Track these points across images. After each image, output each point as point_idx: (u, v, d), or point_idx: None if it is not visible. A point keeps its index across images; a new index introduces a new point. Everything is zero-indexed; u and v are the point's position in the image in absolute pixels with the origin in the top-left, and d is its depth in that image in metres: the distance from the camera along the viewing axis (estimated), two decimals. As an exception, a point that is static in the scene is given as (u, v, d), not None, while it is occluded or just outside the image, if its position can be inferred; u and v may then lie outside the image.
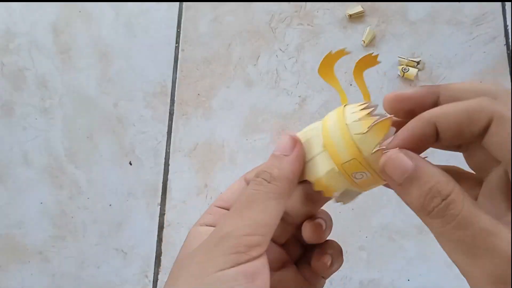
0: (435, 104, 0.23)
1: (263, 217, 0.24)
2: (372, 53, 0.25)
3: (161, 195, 0.60)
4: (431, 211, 0.20)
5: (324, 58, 0.27)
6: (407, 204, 0.22)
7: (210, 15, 0.65)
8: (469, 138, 0.22)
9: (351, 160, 0.23)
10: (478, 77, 0.61)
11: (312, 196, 0.28)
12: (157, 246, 0.59)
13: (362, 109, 0.24)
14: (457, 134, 0.22)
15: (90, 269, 0.58)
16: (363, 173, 0.24)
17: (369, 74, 0.61)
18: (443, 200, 0.20)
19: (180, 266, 0.26)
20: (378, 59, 0.27)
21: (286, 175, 0.25)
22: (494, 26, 0.62)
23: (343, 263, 0.32)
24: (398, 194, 0.22)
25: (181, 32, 0.65)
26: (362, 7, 0.63)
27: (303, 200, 0.29)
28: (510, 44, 0.61)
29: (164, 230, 0.59)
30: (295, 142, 0.26)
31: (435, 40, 0.62)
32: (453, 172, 0.25)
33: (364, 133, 0.23)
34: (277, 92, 0.62)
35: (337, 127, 0.24)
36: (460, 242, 0.20)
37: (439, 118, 0.22)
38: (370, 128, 0.23)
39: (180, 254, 0.27)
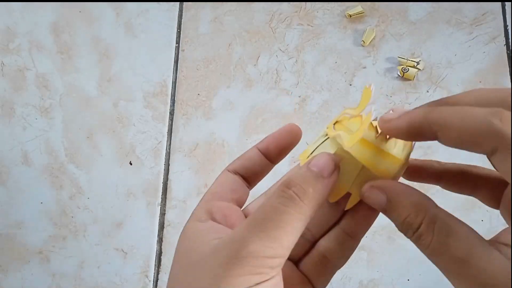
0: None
1: (289, 240, 0.22)
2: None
3: (161, 195, 0.60)
4: (410, 238, 0.22)
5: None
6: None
7: (210, 15, 0.65)
8: (474, 151, 0.21)
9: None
10: (478, 77, 0.61)
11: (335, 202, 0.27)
12: (157, 246, 0.59)
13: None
14: (459, 146, 0.21)
15: (90, 269, 0.58)
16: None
17: (369, 74, 0.61)
18: (414, 233, 0.22)
19: (187, 272, 0.24)
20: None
21: (318, 199, 0.23)
22: (494, 26, 0.62)
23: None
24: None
25: (181, 32, 0.65)
26: (362, 7, 0.63)
27: (328, 208, 0.27)
28: (510, 44, 0.61)
29: (164, 230, 0.59)
30: (336, 166, 0.24)
31: (435, 40, 0.62)
32: (471, 175, 0.26)
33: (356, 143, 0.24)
34: (277, 92, 0.62)
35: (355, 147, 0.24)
36: (439, 267, 0.21)
37: (442, 128, 0.21)
38: (356, 132, 0.24)
39: (181, 255, 0.25)
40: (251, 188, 0.28)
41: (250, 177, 0.28)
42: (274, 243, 0.22)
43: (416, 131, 0.22)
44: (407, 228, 0.22)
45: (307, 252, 0.27)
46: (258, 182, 0.29)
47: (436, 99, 0.23)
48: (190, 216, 0.27)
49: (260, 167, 0.28)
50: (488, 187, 0.25)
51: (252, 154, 0.28)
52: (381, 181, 0.23)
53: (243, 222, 0.23)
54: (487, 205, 0.25)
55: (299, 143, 0.28)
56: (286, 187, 0.23)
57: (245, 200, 0.28)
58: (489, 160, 0.20)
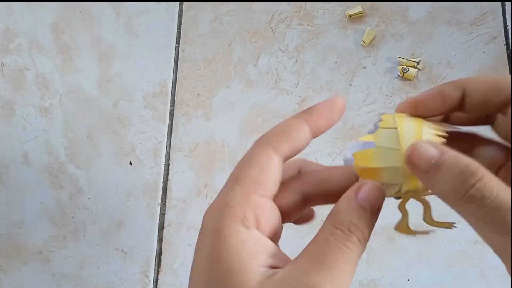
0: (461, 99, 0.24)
1: (350, 281, 0.21)
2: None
3: (161, 195, 0.60)
4: (464, 194, 0.20)
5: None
6: (437, 193, 0.21)
7: (210, 15, 0.65)
8: (494, 107, 0.23)
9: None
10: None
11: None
12: (157, 246, 0.59)
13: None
14: (483, 101, 0.23)
15: (90, 269, 0.58)
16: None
17: (369, 74, 0.61)
18: (476, 181, 0.19)
19: None
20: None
21: (370, 233, 0.22)
22: (494, 26, 0.62)
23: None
24: (427, 184, 0.22)
25: (181, 32, 0.65)
26: (362, 7, 0.63)
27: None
28: (510, 44, 0.61)
29: (165, 230, 0.59)
30: (383, 197, 0.23)
31: (435, 40, 0.62)
32: (471, 137, 0.26)
33: None
34: (277, 92, 0.62)
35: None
36: (497, 224, 0.19)
37: (468, 84, 0.23)
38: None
39: (218, 270, 0.21)
40: None
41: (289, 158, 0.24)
42: (336, 284, 0.20)
43: (445, 97, 0.23)
44: (467, 177, 0.20)
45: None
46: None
47: None
48: (225, 207, 0.22)
49: (304, 147, 0.24)
50: (489, 156, 0.25)
51: (302, 134, 0.24)
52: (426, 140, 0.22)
53: (304, 259, 0.21)
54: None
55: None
56: (341, 224, 0.21)
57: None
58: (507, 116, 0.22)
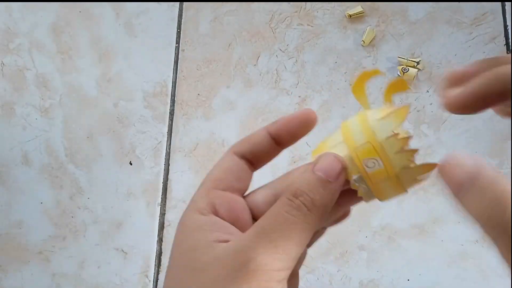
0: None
1: (297, 251, 0.22)
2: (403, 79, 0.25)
3: (161, 195, 0.60)
4: (496, 223, 0.18)
5: (358, 76, 0.26)
6: (468, 214, 0.20)
7: (210, 15, 0.65)
8: None
9: (365, 143, 0.23)
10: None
11: (342, 199, 0.25)
12: (157, 246, 0.59)
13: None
14: None
15: (90, 269, 0.58)
16: (375, 160, 0.23)
17: (369, 74, 0.61)
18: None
19: (189, 278, 0.22)
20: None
21: (326, 205, 0.22)
22: (494, 26, 0.62)
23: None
24: (457, 201, 0.20)
25: (181, 32, 0.65)
26: (362, 7, 0.63)
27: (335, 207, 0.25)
28: (510, 44, 0.61)
29: (164, 230, 0.59)
30: (343, 168, 0.23)
31: (435, 40, 0.62)
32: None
33: (381, 118, 0.23)
34: (277, 92, 0.62)
35: (356, 118, 0.24)
36: None
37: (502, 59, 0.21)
38: (388, 114, 0.23)
39: (181, 254, 0.24)
40: (255, 171, 0.27)
41: (256, 161, 0.26)
42: (283, 254, 0.21)
43: (493, 93, 0.21)
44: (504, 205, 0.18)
45: None
46: (262, 166, 0.27)
47: (436, 99, 0.23)
48: (190, 204, 0.25)
49: (268, 152, 0.26)
50: None
51: (261, 139, 0.26)
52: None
53: (249, 231, 0.22)
54: None
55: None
56: (293, 196, 0.22)
57: (248, 187, 0.26)
58: None
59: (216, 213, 0.24)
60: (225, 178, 0.25)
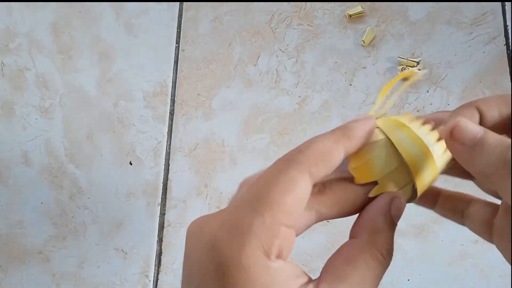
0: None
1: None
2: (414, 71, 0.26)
3: (161, 195, 0.60)
4: (508, 170, 0.20)
5: (390, 82, 0.27)
6: (476, 168, 0.22)
7: (210, 15, 0.65)
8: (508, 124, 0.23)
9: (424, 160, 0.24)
10: (478, 77, 0.61)
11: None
12: (157, 246, 0.59)
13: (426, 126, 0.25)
14: (498, 117, 0.23)
15: (90, 269, 0.58)
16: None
17: (369, 74, 0.61)
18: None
19: None
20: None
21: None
22: (494, 26, 0.62)
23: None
24: (465, 159, 0.22)
25: (181, 32, 0.65)
26: (362, 7, 0.63)
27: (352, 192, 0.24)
28: (510, 44, 0.61)
29: (164, 230, 0.59)
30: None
31: (435, 40, 0.62)
32: (462, 200, 0.27)
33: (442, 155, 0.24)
34: (277, 92, 0.62)
35: (419, 149, 0.24)
36: None
37: (481, 102, 0.24)
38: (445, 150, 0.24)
39: None
40: None
41: None
42: None
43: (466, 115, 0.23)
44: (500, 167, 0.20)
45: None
46: None
47: (436, 99, 0.25)
48: (250, 236, 0.19)
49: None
50: (480, 218, 0.25)
51: (338, 160, 0.22)
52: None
53: (335, 280, 0.20)
54: (479, 235, 0.26)
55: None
56: (385, 252, 0.22)
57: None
58: None
59: (280, 256, 0.20)
60: (293, 210, 0.20)
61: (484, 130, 0.22)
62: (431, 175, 0.24)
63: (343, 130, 0.22)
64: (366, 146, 0.24)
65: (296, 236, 0.22)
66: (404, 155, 0.23)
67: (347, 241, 0.23)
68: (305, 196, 0.20)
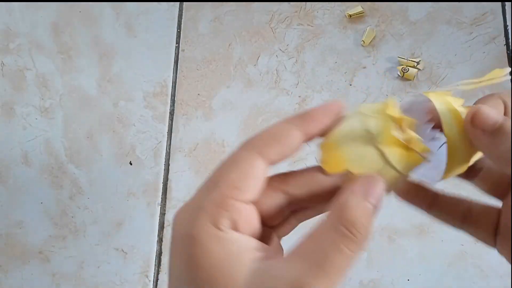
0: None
1: (343, 278, 0.20)
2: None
3: (161, 195, 0.60)
4: None
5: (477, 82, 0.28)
6: (495, 154, 0.22)
7: (210, 15, 0.65)
8: None
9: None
10: (478, 77, 0.61)
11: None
12: (157, 246, 0.59)
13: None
14: None
15: (90, 269, 0.58)
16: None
17: (369, 74, 0.61)
18: None
19: None
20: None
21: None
22: (494, 26, 0.62)
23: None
24: (485, 146, 0.22)
25: (181, 32, 0.65)
26: (362, 7, 0.63)
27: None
28: (510, 44, 0.61)
29: (165, 230, 0.59)
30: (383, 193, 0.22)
31: (435, 40, 0.62)
32: (464, 204, 0.27)
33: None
34: (277, 92, 0.62)
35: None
36: None
37: (505, 94, 0.24)
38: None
39: (199, 272, 0.20)
40: None
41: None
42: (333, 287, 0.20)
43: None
44: None
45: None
46: None
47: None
48: (200, 212, 0.20)
49: (293, 153, 0.23)
50: (483, 221, 0.25)
51: (292, 140, 0.22)
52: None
53: (295, 256, 0.20)
54: (482, 241, 0.26)
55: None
56: (353, 228, 0.20)
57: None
58: None
59: (236, 229, 0.21)
60: (247, 188, 0.21)
61: (505, 117, 0.22)
62: (463, 161, 0.24)
63: (301, 113, 0.23)
64: (334, 133, 0.23)
65: (273, 222, 0.23)
66: (446, 132, 0.23)
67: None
68: (254, 173, 0.21)
